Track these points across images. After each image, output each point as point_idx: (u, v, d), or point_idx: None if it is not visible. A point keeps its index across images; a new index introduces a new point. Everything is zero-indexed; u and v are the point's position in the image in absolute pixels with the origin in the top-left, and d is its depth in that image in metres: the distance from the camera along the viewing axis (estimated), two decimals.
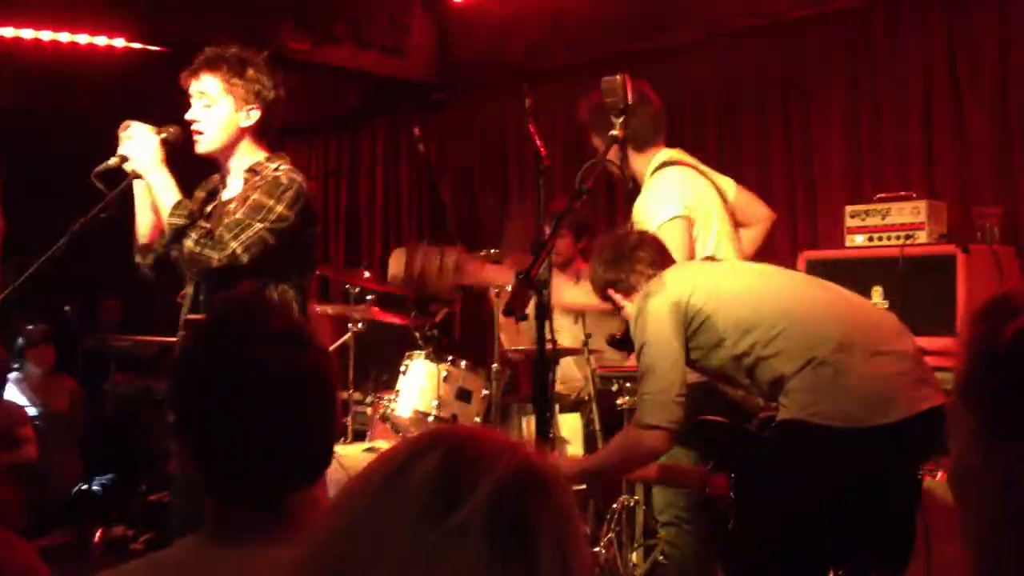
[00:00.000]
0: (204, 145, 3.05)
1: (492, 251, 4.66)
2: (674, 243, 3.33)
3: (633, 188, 3.58)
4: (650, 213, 3.48)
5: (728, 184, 3.76)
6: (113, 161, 3.02)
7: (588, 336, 4.44)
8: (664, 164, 3.61)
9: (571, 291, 4.21)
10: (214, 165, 3.18)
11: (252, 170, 3.06)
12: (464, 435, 0.87)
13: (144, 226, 3.12)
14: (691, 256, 3.42)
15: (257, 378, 1.40)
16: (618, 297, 3.14)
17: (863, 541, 2.78)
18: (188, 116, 3.04)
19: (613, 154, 3.33)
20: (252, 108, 3.02)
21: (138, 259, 3.18)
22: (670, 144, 3.71)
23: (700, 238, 3.52)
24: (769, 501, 2.79)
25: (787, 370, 2.79)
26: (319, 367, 1.44)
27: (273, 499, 1.41)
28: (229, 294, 1.49)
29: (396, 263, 3.62)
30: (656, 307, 2.93)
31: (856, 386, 2.70)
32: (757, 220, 3.85)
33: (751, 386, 2.98)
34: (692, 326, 2.92)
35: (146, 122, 3.08)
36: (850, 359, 2.71)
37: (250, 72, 3.02)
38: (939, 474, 3.48)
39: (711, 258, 3.43)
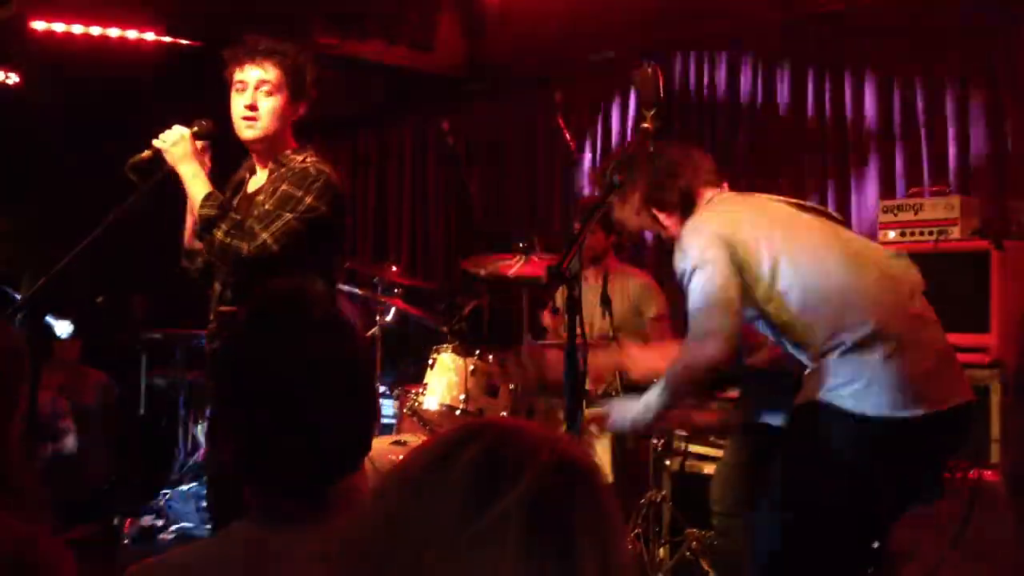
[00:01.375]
0: (257, 131, 3.08)
1: (520, 245, 4.67)
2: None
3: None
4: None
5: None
6: (145, 153, 3.06)
7: (616, 330, 4.43)
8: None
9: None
10: (242, 155, 3.21)
11: (278, 161, 3.09)
12: (506, 427, 0.87)
13: (190, 228, 3.15)
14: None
15: (299, 366, 1.41)
16: (662, 216, 3.04)
17: (870, 531, 2.76)
18: (246, 101, 3.06)
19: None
20: (301, 102, 3.10)
21: (185, 263, 3.22)
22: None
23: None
24: (786, 486, 2.75)
25: (814, 342, 2.71)
26: (359, 355, 1.45)
27: (314, 487, 1.42)
28: (271, 283, 1.50)
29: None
30: (707, 232, 2.82)
31: (884, 377, 2.62)
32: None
33: (774, 336, 2.90)
34: (734, 264, 2.77)
35: (177, 115, 3.12)
36: (882, 348, 2.63)
37: (306, 67, 3.10)
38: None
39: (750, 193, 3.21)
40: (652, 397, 2.89)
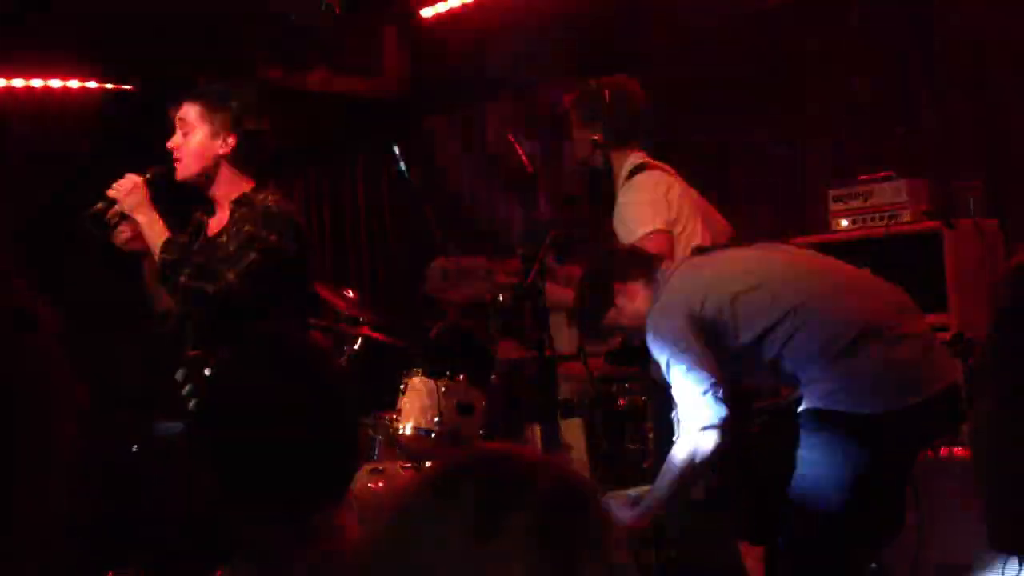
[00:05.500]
0: (181, 172, 3.11)
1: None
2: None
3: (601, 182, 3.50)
4: (629, 224, 3.48)
5: (694, 193, 3.77)
6: (100, 205, 3.05)
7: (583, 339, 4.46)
8: (638, 168, 3.60)
9: None
10: (203, 197, 3.21)
11: (239, 201, 3.09)
12: (499, 455, 0.89)
13: (158, 295, 3.14)
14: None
15: (278, 402, 1.44)
16: (612, 313, 3.09)
17: (878, 518, 2.83)
18: (169, 144, 3.10)
19: (587, 154, 3.40)
20: (228, 136, 3.06)
21: (159, 329, 3.21)
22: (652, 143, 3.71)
23: (683, 244, 3.50)
24: (799, 489, 2.82)
25: (808, 360, 2.81)
26: (338, 389, 1.49)
27: (298, 518, 1.45)
28: (249, 326, 1.54)
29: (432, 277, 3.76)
30: (670, 318, 2.91)
31: (875, 373, 2.74)
32: (718, 233, 3.75)
33: (767, 376, 3.00)
34: (709, 334, 2.89)
35: (127, 160, 3.13)
36: (869, 346, 2.74)
37: (231, 102, 3.08)
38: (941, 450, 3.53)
39: (700, 248, 3.39)
40: (660, 491, 2.99)
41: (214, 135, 3.06)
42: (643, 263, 3.10)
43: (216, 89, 3.10)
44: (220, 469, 1.46)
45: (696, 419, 2.86)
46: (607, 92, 3.55)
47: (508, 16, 6.16)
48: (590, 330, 3.22)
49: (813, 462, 2.78)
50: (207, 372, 2.48)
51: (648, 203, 3.46)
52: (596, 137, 3.42)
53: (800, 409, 2.84)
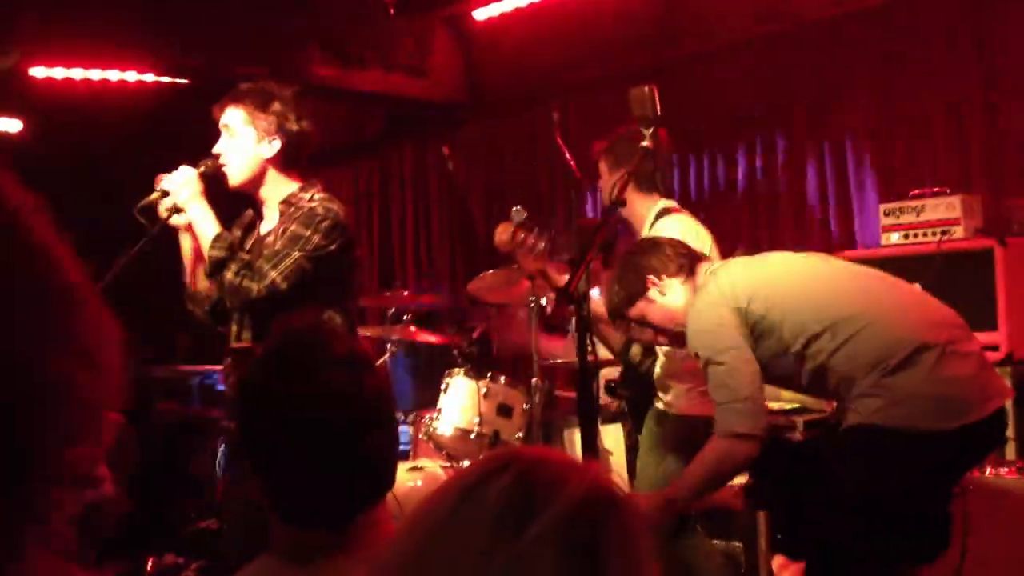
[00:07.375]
0: (231, 178, 3.11)
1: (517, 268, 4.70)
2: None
3: (611, 215, 3.45)
4: None
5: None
6: (154, 196, 3.07)
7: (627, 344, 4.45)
8: (667, 211, 3.60)
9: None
10: (250, 199, 3.23)
11: (287, 202, 3.09)
12: (536, 456, 0.89)
13: (190, 272, 3.17)
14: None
15: (322, 401, 1.43)
16: (642, 304, 3.01)
17: (917, 535, 2.78)
18: (215, 149, 3.10)
19: (614, 197, 3.39)
20: (274, 139, 3.06)
21: (190, 306, 3.23)
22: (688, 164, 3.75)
23: None
24: (842, 502, 2.77)
25: (858, 374, 2.74)
26: (381, 389, 1.48)
27: (341, 519, 1.44)
28: (290, 321, 1.53)
29: (501, 232, 3.88)
30: (716, 312, 2.83)
31: (930, 391, 2.68)
32: None
33: (809, 388, 2.95)
34: (755, 333, 2.82)
35: (179, 154, 3.15)
36: (924, 363, 2.68)
37: (274, 105, 3.07)
38: (987, 470, 3.47)
39: (745, 253, 3.33)
40: (685, 489, 2.92)
41: (259, 140, 3.07)
42: (686, 258, 3.02)
43: (259, 91, 3.09)
44: (258, 469, 1.46)
45: (733, 425, 2.79)
46: (636, 140, 3.54)
47: (560, 20, 6.16)
48: (612, 315, 3.14)
49: (857, 477, 2.74)
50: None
51: (679, 236, 3.43)
52: (622, 183, 3.39)
53: (846, 424, 2.79)
